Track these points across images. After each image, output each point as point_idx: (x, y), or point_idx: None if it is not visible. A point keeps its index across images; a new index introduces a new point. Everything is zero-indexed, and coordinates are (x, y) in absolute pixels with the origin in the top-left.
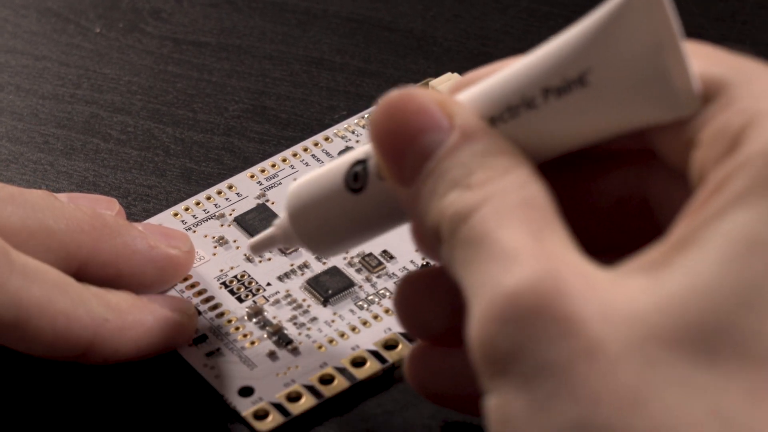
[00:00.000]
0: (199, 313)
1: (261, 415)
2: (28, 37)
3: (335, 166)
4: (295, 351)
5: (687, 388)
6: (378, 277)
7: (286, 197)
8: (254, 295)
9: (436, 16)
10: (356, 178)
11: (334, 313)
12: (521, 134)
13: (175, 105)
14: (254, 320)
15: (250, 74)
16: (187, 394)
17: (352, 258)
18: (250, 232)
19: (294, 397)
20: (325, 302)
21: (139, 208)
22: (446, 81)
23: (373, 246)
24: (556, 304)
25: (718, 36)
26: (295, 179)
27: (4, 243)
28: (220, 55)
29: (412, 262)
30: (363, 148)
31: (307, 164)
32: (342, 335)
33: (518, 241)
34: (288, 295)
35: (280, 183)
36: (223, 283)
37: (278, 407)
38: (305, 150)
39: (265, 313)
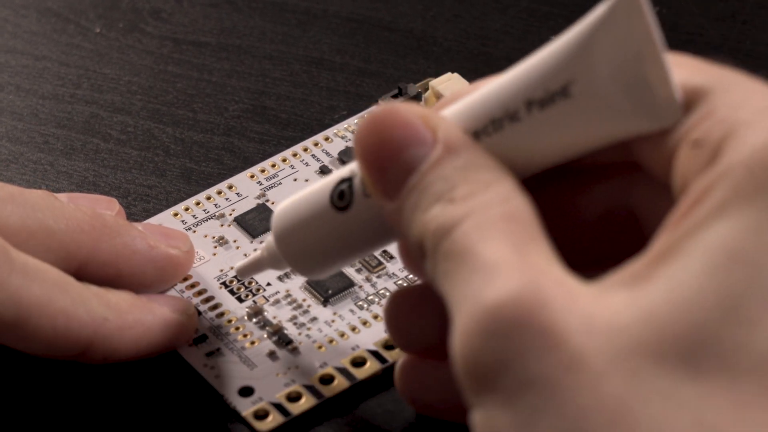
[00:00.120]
0: (199, 313)
1: (261, 415)
2: (28, 37)
3: (320, 186)
4: (295, 351)
5: (671, 400)
6: (378, 277)
7: (272, 219)
8: (254, 295)
9: (436, 16)
10: (342, 196)
11: (334, 313)
12: (505, 147)
13: (175, 105)
14: (254, 320)
15: (250, 74)
16: (187, 394)
17: None
18: (250, 232)
19: (294, 397)
20: (325, 302)
21: (139, 208)
22: (446, 81)
23: None
24: (539, 316)
25: (718, 36)
26: (295, 180)
27: (4, 242)
28: (220, 55)
29: None
30: (348, 166)
31: (307, 164)
32: (342, 335)
33: (500, 255)
34: (288, 295)
35: (280, 183)
36: (223, 283)
37: (278, 407)
38: (305, 150)
39: (265, 313)
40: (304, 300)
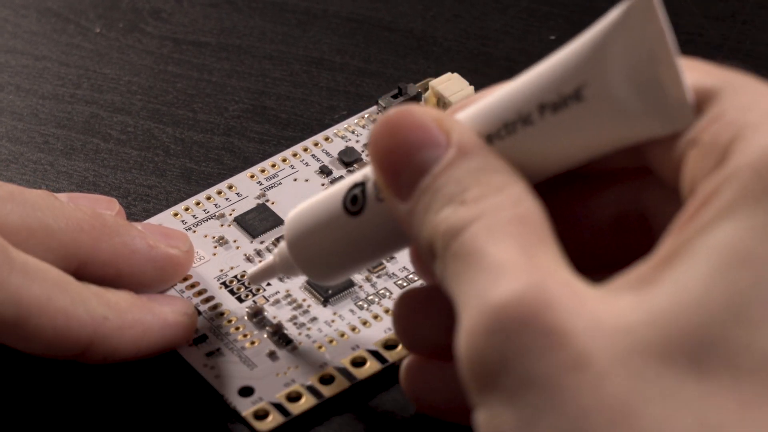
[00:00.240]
0: (199, 313)
1: (261, 415)
2: (28, 37)
3: (333, 191)
4: (295, 351)
5: (675, 400)
6: (378, 277)
7: (285, 225)
8: (254, 295)
9: (436, 16)
10: (354, 200)
11: (334, 313)
12: (518, 151)
13: (175, 105)
14: (254, 320)
15: (250, 74)
16: (187, 394)
17: None
18: (250, 232)
19: (294, 397)
20: (325, 302)
21: (139, 208)
22: (446, 81)
23: None
24: (544, 316)
25: (718, 36)
26: (295, 179)
27: (3, 242)
28: (220, 55)
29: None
30: (361, 171)
31: (307, 164)
32: (342, 335)
33: (508, 256)
34: (288, 295)
35: (280, 183)
36: (223, 283)
37: (278, 407)
38: (305, 150)
39: (265, 313)
40: (304, 300)
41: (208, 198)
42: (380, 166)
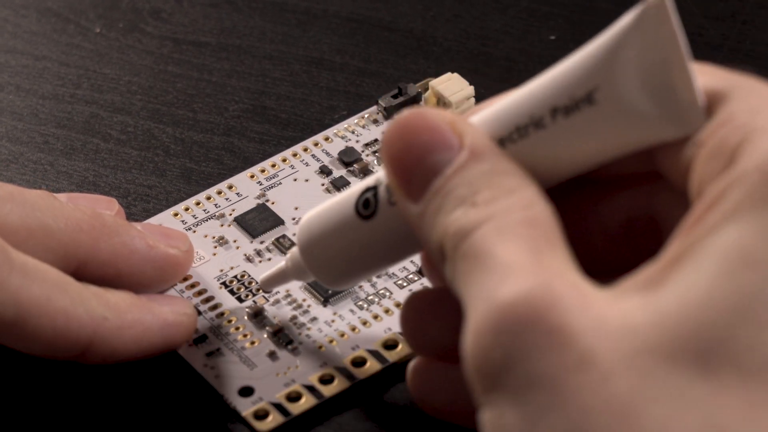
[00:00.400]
0: (199, 313)
1: (261, 415)
2: (28, 37)
3: (345, 195)
4: (295, 351)
5: (680, 400)
6: (378, 276)
7: (297, 231)
8: (254, 295)
9: (436, 16)
10: (367, 204)
11: (334, 313)
12: (530, 154)
13: (175, 105)
14: (254, 320)
15: (250, 74)
16: (187, 394)
17: None
18: (250, 232)
19: (294, 397)
20: (325, 302)
21: (139, 208)
22: (446, 81)
23: None
24: (549, 316)
25: (718, 36)
26: (295, 179)
27: (3, 242)
28: (220, 55)
29: (412, 262)
30: (374, 175)
31: (307, 164)
32: (342, 335)
33: (516, 257)
34: (288, 295)
35: (280, 183)
36: (223, 283)
37: (278, 407)
38: (305, 150)
39: (265, 313)
40: (304, 300)
41: (208, 198)
42: (392, 167)
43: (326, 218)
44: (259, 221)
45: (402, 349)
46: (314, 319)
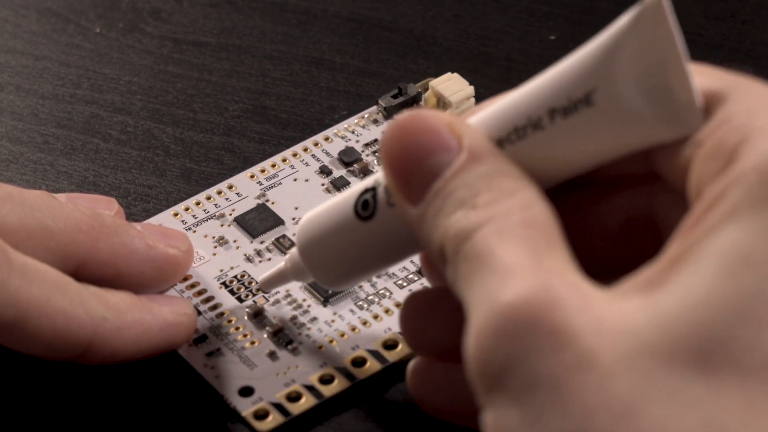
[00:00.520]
0: (199, 313)
1: (261, 415)
2: (28, 37)
3: (344, 196)
4: (295, 351)
5: (680, 400)
6: (378, 276)
7: (296, 232)
8: (254, 295)
9: (436, 16)
10: (366, 205)
11: (334, 313)
12: (529, 155)
13: (175, 105)
14: (254, 320)
15: (250, 74)
16: (187, 394)
17: None
18: (250, 232)
19: (294, 397)
20: (325, 302)
21: (139, 208)
22: (446, 81)
23: None
24: (550, 317)
25: (718, 36)
26: (295, 179)
27: (2, 242)
28: (220, 55)
29: (412, 262)
30: (373, 176)
31: (307, 164)
32: (342, 335)
33: (516, 258)
34: (288, 295)
35: (280, 183)
36: (223, 283)
37: (278, 407)
38: (305, 150)
39: (265, 313)
40: (304, 300)
41: (208, 198)
42: (391, 170)
43: (325, 219)
44: (259, 221)
45: (402, 349)
46: (314, 319)
